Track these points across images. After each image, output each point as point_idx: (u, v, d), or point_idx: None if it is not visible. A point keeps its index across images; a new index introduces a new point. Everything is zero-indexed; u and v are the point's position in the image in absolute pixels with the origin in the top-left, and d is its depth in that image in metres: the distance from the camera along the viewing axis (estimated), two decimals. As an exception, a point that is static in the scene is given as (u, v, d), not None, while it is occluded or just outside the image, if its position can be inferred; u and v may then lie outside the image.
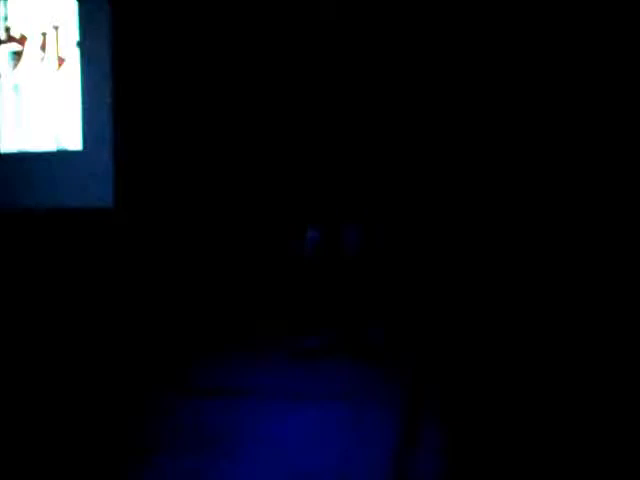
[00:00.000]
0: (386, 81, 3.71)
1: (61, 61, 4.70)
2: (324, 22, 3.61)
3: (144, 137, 4.36)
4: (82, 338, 3.67)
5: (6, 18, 4.74)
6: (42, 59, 4.73)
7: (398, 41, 3.80)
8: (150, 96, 4.31)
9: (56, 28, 4.70)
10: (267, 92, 4.17)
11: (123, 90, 4.36)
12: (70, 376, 3.08)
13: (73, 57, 4.66)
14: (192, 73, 4.30)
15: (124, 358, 3.34)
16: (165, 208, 4.37)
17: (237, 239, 4.25)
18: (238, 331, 3.79)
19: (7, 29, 4.76)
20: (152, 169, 4.34)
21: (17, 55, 4.80)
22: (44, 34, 4.72)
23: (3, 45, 4.78)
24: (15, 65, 4.79)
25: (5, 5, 4.74)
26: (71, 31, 4.66)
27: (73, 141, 4.58)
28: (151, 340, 3.63)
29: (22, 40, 4.78)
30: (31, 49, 4.76)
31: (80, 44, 4.56)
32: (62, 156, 4.53)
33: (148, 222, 4.34)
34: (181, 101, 4.30)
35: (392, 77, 3.76)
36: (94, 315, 4.02)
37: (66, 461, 2.25)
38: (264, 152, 4.21)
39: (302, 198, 3.73)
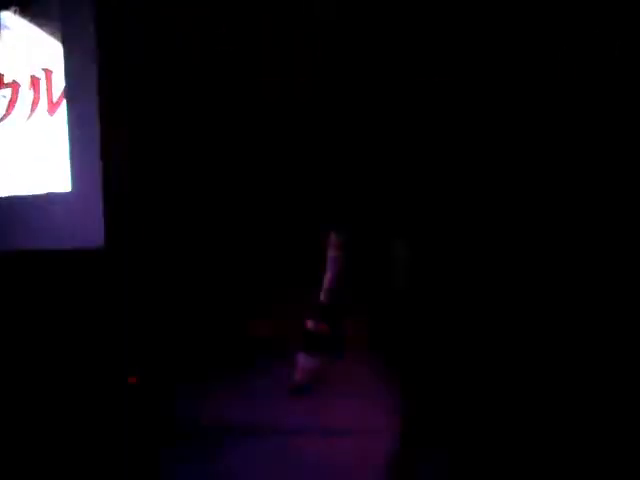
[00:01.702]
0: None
1: (53, 104, 4.71)
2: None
3: (133, 174, 4.31)
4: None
5: (-5, 65, 4.78)
6: (33, 103, 4.74)
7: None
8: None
9: (46, 71, 4.71)
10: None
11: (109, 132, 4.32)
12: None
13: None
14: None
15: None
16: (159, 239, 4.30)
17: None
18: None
19: (-1, 76, 4.80)
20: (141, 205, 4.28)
21: (10, 101, 4.83)
22: (34, 77, 4.74)
23: (-5, 92, 4.81)
24: (7, 111, 4.82)
25: (-5, 53, 4.78)
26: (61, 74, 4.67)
27: (63, 183, 4.55)
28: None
29: (14, 85, 4.81)
30: (23, 94, 4.79)
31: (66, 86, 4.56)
32: (52, 198, 4.51)
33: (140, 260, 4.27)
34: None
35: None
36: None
37: None
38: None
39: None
